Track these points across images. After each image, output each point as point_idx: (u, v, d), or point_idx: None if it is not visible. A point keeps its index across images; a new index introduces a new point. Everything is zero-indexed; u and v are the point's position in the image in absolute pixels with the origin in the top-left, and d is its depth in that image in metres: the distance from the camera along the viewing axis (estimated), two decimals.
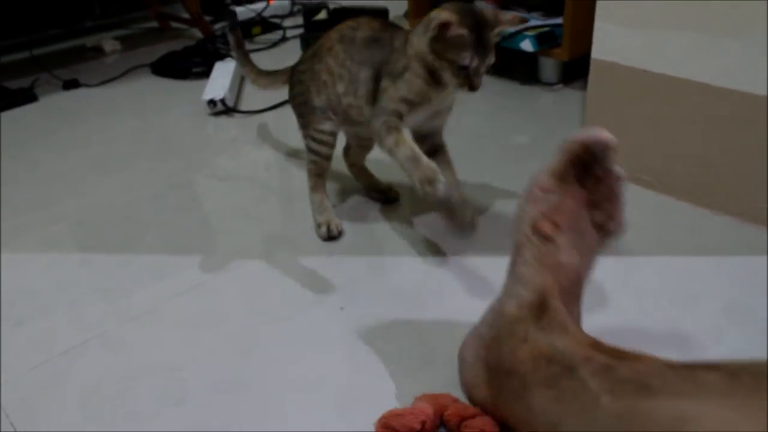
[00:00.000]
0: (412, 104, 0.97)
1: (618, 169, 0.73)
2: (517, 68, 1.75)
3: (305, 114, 1.09)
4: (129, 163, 1.38)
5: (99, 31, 2.44)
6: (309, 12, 2.06)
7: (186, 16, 2.24)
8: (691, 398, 0.53)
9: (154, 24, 2.48)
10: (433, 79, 0.95)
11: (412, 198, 1.20)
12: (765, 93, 0.99)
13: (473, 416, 0.71)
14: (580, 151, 0.72)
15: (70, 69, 2.02)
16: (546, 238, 0.71)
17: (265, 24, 2.28)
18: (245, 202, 1.21)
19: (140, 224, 1.15)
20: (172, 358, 0.84)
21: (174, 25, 2.44)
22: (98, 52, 2.21)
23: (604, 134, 0.71)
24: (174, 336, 0.88)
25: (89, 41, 2.26)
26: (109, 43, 2.22)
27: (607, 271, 0.98)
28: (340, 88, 1.03)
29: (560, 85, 1.69)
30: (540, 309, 0.69)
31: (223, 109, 1.60)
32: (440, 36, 0.90)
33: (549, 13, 1.72)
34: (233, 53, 1.34)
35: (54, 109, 1.72)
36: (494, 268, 0.99)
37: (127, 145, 1.48)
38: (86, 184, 1.31)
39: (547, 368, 0.65)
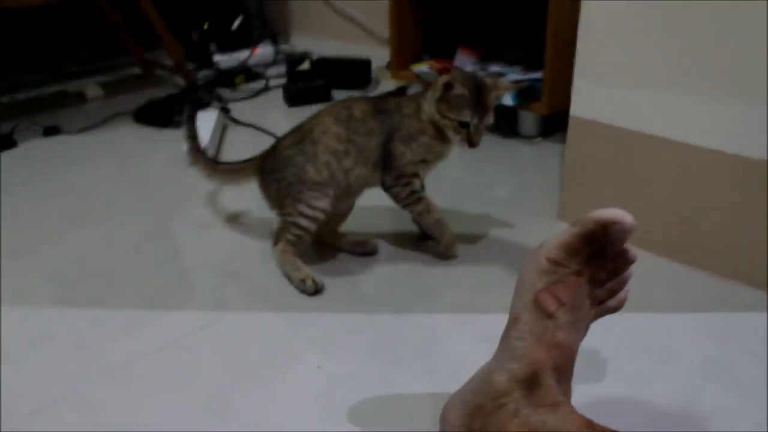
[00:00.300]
0: (427, 162, 1.12)
1: (633, 251, 0.72)
2: (498, 122, 1.76)
3: (297, 192, 1.09)
4: (107, 214, 1.37)
5: (82, 77, 2.45)
6: (293, 62, 2.08)
7: (170, 63, 2.26)
8: None
9: (138, 70, 2.50)
10: (441, 137, 1.09)
11: (388, 252, 1.19)
12: (740, 152, 1.01)
13: None
14: (595, 230, 0.68)
15: (52, 115, 2.03)
16: (548, 315, 0.70)
17: (248, 73, 2.30)
18: (223, 256, 1.20)
19: (116, 277, 1.14)
20: (144, 418, 0.82)
21: (158, 72, 2.46)
22: (80, 98, 2.22)
23: (623, 216, 0.67)
24: (147, 395, 0.86)
25: (71, 87, 2.27)
26: (91, 89, 2.22)
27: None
28: (348, 163, 1.10)
29: (539, 139, 1.72)
30: (531, 384, 0.68)
31: None
32: (444, 96, 1.04)
33: (529, 67, 1.75)
34: (186, 142, 1.25)
35: (34, 156, 1.71)
36: (472, 326, 0.99)
37: (106, 195, 1.47)
38: (63, 234, 1.29)
39: None
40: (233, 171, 1.23)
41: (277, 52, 2.55)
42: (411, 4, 1.92)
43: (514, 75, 1.71)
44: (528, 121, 1.71)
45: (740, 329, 0.97)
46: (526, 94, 1.64)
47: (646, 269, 1.12)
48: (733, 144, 1.02)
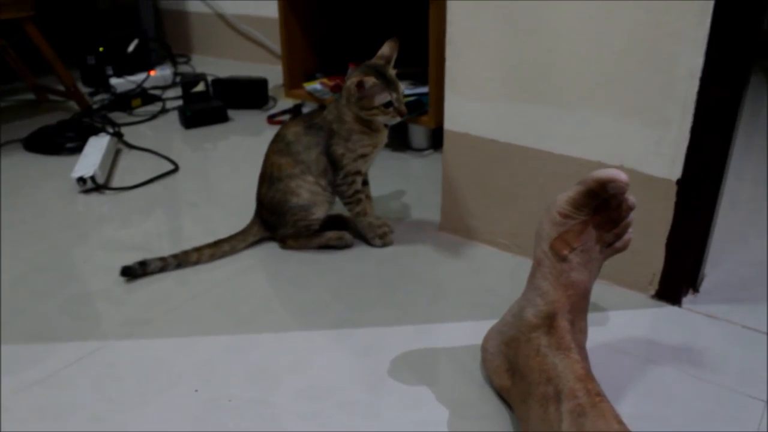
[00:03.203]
0: (366, 156, 1.22)
1: (631, 199, 0.84)
2: (390, 137, 1.81)
3: (294, 220, 1.24)
4: None
5: None
6: (187, 84, 2.07)
7: (63, 88, 2.21)
8: None
9: (31, 96, 2.44)
10: (371, 128, 1.20)
11: (265, 271, 1.21)
12: (601, 160, 1.08)
13: None
14: (596, 187, 0.80)
15: None
16: (561, 258, 0.82)
17: (145, 96, 2.28)
18: (109, 283, 1.18)
19: None
20: None
21: (52, 97, 2.40)
22: None
23: (618, 175, 0.79)
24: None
25: None
26: None
27: (467, 337, 1.02)
28: (310, 178, 1.23)
29: (430, 151, 1.77)
30: (551, 324, 0.81)
31: (93, 186, 1.57)
32: (361, 94, 1.15)
33: (417, 82, 1.80)
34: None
35: None
36: (349, 340, 1.01)
37: None
38: None
39: (546, 386, 0.76)
40: (241, 236, 1.29)
41: (175, 74, 2.54)
42: (300, 23, 1.95)
43: (404, 90, 1.75)
44: (418, 134, 1.76)
45: (609, 328, 1.03)
46: (414, 108, 1.69)
47: (525, 274, 1.17)
48: (597, 152, 1.08)
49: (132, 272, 1.19)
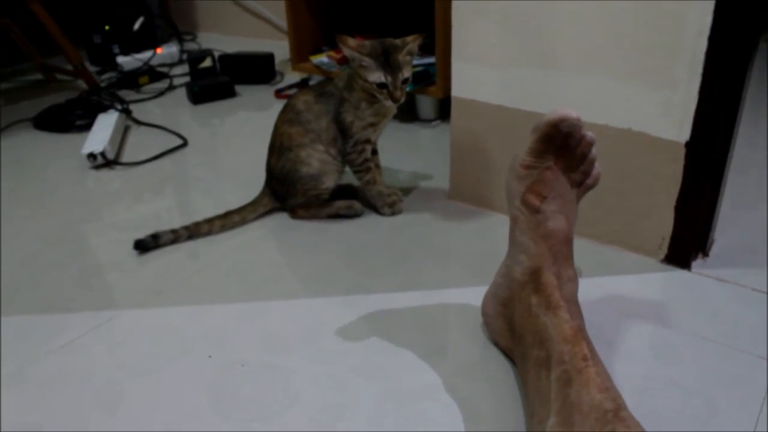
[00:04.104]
0: (375, 125, 1.23)
1: (588, 134, 0.84)
2: (398, 107, 1.81)
3: (304, 189, 1.25)
4: (4, 222, 1.35)
5: None
6: (194, 60, 2.07)
7: (70, 67, 2.21)
8: None
9: (39, 76, 2.44)
10: (377, 98, 1.18)
11: (275, 240, 1.22)
12: (608, 123, 1.07)
13: None
14: (549, 131, 0.81)
15: None
16: (535, 210, 0.83)
17: (152, 73, 2.28)
18: (121, 256, 1.20)
19: (10, 286, 1.13)
20: (35, 419, 0.83)
21: (60, 77, 2.40)
22: None
23: (567, 113, 0.80)
24: (38, 397, 0.87)
25: None
26: None
27: (476, 301, 1.03)
28: (320, 146, 1.23)
29: (438, 121, 1.76)
30: (537, 280, 0.81)
31: (103, 162, 1.58)
32: (354, 64, 1.16)
33: (424, 53, 1.79)
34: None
35: None
36: (360, 306, 1.02)
37: (5, 203, 1.44)
38: None
39: (539, 350, 0.75)
40: (251, 206, 1.30)
41: (182, 51, 2.53)
42: None
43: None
44: (426, 105, 1.76)
45: (610, 291, 1.03)
46: (421, 78, 1.69)
47: None
48: (604, 115, 1.08)
49: (144, 245, 1.20)
